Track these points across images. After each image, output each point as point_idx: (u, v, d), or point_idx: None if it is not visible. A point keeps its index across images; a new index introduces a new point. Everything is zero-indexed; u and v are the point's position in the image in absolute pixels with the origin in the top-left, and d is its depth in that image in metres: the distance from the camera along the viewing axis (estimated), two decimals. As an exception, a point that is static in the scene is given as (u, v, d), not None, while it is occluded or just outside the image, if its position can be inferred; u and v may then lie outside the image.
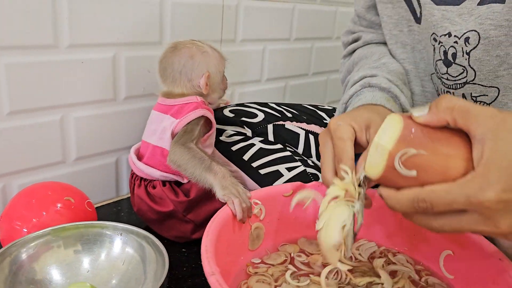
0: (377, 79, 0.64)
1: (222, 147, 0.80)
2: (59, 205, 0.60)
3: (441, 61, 0.61)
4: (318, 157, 0.80)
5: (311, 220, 0.62)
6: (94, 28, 0.73)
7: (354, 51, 0.78)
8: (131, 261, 0.55)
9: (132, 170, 0.71)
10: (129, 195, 0.75)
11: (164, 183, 0.68)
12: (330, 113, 0.88)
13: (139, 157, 0.71)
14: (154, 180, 0.68)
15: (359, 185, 0.45)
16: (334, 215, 0.44)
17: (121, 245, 0.56)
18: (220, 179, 0.61)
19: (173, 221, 0.69)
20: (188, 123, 0.65)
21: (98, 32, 0.74)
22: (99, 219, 0.63)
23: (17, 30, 0.65)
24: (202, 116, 0.67)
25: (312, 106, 0.90)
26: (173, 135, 0.65)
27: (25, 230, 0.58)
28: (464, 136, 0.38)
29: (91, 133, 0.78)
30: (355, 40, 0.79)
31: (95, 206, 0.82)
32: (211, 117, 0.68)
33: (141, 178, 0.69)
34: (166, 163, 0.64)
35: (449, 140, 0.39)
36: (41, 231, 0.54)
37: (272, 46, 1.09)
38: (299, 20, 1.14)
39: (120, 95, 0.80)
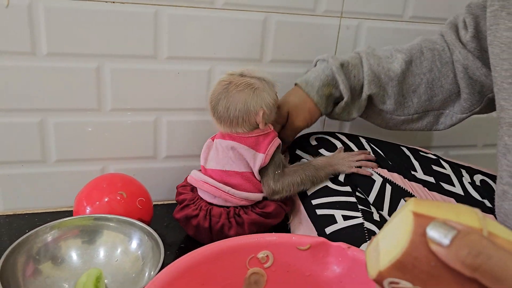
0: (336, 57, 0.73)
1: (295, 175, 0.77)
2: (106, 198, 0.68)
3: None
4: (391, 211, 0.69)
5: (327, 282, 0.54)
6: (192, 42, 0.79)
7: None
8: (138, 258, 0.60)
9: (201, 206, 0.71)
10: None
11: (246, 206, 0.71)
12: (428, 164, 0.73)
13: None
14: (236, 207, 0.71)
15: None
16: None
17: (137, 242, 0.62)
18: (326, 162, 0.72)
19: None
20: (272, 156, 0.69)
21: (196, 47, 0.80)
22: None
23: (120, 42, 0.76)
24: (280, 144, 0.72)
25: (412, 151, 0.76)
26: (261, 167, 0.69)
27: (88, 209, 0.69)
28: None
29: (179, 136, 0.85)
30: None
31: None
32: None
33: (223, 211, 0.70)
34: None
35: None
36: (76, 217, 0.63)
37: (402, 72, 0.96)
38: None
39: (212, 105, 0.85)
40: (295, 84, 0.77)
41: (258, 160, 0.69)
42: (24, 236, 0.57)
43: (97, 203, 0.68)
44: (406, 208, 0.31)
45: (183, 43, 0.79)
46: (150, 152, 0.85)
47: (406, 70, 0.73)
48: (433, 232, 0.27)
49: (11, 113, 0.75)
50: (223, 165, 0.70)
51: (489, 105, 0.73)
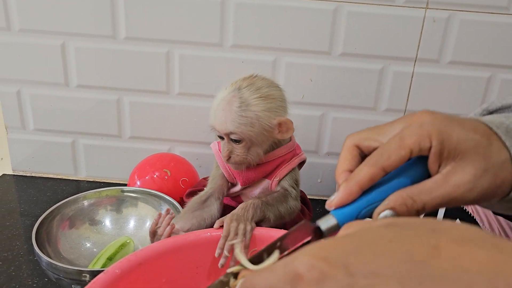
0: None
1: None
2: (156, 173, 0.72)
3: None
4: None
5: None
6: (257, 32, 0.79)
7: None
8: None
9: None
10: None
11: None
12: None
13: None
14: None
15: None
16: None
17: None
18: None
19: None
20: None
21: (261, 36, 0.80)
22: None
23: (188, 29, 0.79)
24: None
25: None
26: None
27: (138, 182, 0.74)
28: None
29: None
30: None
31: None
32: (225, 171, 0.62)
33: None
34: None
35: None
36: (112, 187, 0.69)
37: (504, 74, 0.81)
38: None
39: (276, 97, 0.84)
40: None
41: None
42: (64, 201, 0.64)
43: (146, 177, 0.73)
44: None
45: (248, 33, 0.79)
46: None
47: None
48: None
49: (92, 90, 0.84)
50: None
51: None
